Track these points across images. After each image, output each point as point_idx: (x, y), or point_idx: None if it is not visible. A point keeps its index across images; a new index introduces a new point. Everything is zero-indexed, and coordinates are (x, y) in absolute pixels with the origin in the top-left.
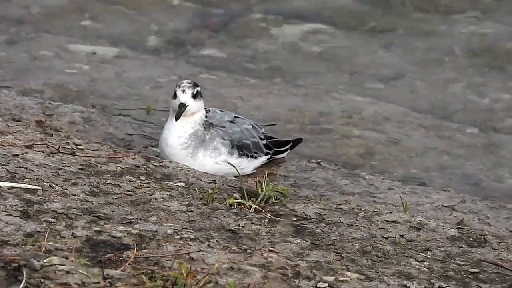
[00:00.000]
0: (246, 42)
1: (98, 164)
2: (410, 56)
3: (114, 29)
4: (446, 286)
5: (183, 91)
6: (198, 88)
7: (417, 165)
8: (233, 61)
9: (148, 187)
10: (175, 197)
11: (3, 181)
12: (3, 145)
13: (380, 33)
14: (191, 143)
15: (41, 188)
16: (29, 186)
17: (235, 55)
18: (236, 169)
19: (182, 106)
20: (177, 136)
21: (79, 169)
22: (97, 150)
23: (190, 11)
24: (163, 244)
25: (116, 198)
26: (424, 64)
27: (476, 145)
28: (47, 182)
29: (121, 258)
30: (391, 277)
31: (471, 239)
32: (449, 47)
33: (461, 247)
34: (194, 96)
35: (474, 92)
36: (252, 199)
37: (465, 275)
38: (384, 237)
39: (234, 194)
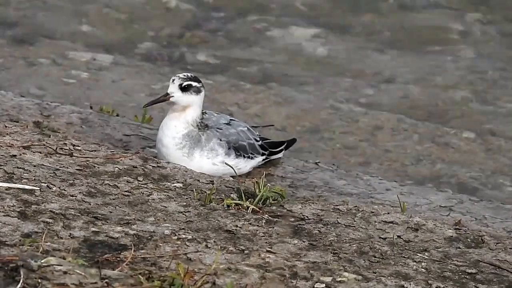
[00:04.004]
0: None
1: (95, 165)
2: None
3: (109, 35)
4: (444, 287)
5: (173, 80)
6: (193, 83)
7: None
8: (229, 66)
9: (146, 187)
10: (173, 198)
11: (1, 182)
12: (1, 146)
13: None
14: (186, 143)
15: (38, 188)
16: (27, 187)
17: (230, 59)
18: (234, 170)
19: (165, 95)
20: (171, 136)
21: (77, 169)
22: (95, 151)
23: (188, 15)
24: (161, 244)
25: (113, 199)
26: None
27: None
28: (45, 183)
29: (118, 259)
30: (389, 277)
31: (468, 239)
32: None
33: (459, 247)
34: (184, 88)
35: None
36: (249, 199)
37: (462, 276)
38: (382, 238)
39: (232, 195)
